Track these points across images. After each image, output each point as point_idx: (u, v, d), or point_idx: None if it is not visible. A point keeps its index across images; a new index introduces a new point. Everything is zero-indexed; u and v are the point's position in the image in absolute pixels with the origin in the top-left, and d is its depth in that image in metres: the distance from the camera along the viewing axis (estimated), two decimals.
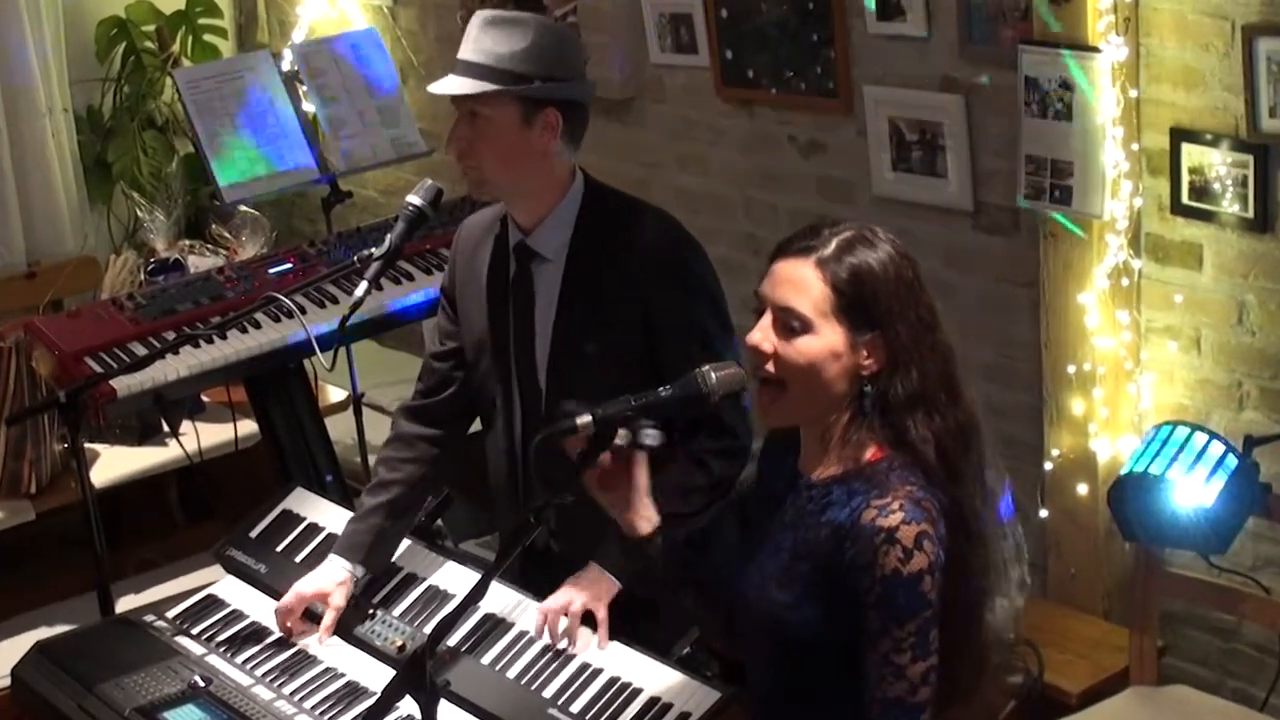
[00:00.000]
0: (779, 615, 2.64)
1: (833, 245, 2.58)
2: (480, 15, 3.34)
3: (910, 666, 2.52)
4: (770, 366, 2.61)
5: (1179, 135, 3.92)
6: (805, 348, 2.58)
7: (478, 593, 2.76)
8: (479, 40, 3.31)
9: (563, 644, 3.21)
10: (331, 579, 3.47)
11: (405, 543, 3.61)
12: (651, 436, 2.68)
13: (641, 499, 2.74)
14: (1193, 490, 3.70)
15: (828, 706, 2.64)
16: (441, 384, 3.59)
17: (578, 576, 3.30)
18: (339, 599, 3.45)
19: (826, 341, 2.57)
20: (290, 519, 3.82)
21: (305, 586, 3.47)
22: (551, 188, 3.38)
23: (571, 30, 3.40)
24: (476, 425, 3.66)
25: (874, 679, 2.54)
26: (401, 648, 3.33)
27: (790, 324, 2.58)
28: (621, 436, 2.68)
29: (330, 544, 3.63)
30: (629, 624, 3.27)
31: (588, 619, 3.25)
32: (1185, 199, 3.95)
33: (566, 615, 3.23)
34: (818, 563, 2.59)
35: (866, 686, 2.55)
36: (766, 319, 2.62)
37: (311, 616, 3.47)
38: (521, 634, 3.29)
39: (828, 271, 2.57)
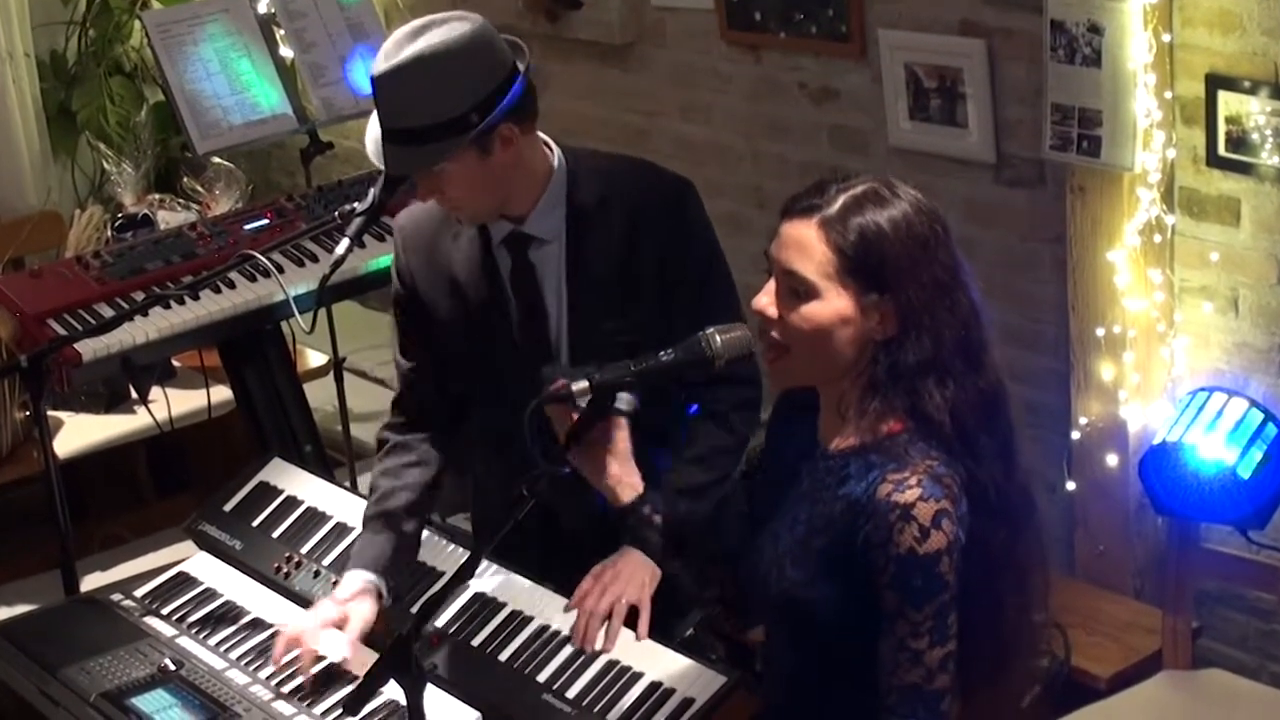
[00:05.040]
0: (795, 593, 2.64)
1: (838, 204, 2.56)
2: (379, 69, 3.14)
3: (928, 652, 2.52)
4: (776, 333, 2.61)
5: (1215, 82, 3.90)
6: (811, 314, 2.57)
7: (467, 570, 2.75)
8: (397, 101, 3.15)
9: (601, 647, 3.15)
10: (352, 591, 3.31)
11: None
12: (625, 401, 2.71)
13: (623, 465, 2.75)
14: (1230, 461, 3.69)
15: (853, 689, 2.63)
16: (424, 407, 3.51)
17: (613, 565, 3.24)
18: (365, 610, 3.28)
19: (833, 307, 2.56)
20: (267, 491, 3.82)
21: (325, 610, 3.29)
22: (534, 178, 3.33)
23: (480, 25, 3.21)
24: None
25: (890, 664, 2.54)
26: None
27: (795, 289, 2.57)
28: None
29: (310, 517, 3.63)
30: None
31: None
32: (1222, 150, 3.94)
33: (610, 618, 3.17)
34: (833, 539, 2.58)
35: (883, 672, 2.55)
36: (773, 282, 2.62)
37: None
38: (514, 614, 3.28)
39: (832, 233, 2.55)
